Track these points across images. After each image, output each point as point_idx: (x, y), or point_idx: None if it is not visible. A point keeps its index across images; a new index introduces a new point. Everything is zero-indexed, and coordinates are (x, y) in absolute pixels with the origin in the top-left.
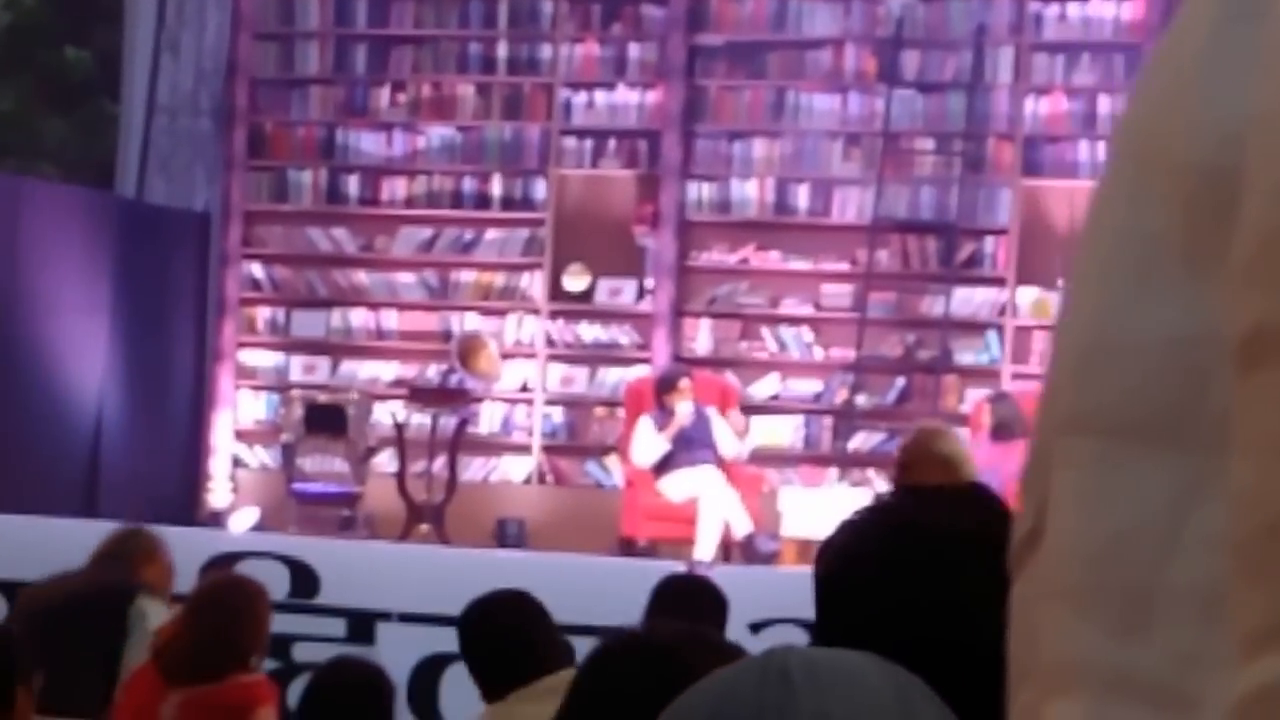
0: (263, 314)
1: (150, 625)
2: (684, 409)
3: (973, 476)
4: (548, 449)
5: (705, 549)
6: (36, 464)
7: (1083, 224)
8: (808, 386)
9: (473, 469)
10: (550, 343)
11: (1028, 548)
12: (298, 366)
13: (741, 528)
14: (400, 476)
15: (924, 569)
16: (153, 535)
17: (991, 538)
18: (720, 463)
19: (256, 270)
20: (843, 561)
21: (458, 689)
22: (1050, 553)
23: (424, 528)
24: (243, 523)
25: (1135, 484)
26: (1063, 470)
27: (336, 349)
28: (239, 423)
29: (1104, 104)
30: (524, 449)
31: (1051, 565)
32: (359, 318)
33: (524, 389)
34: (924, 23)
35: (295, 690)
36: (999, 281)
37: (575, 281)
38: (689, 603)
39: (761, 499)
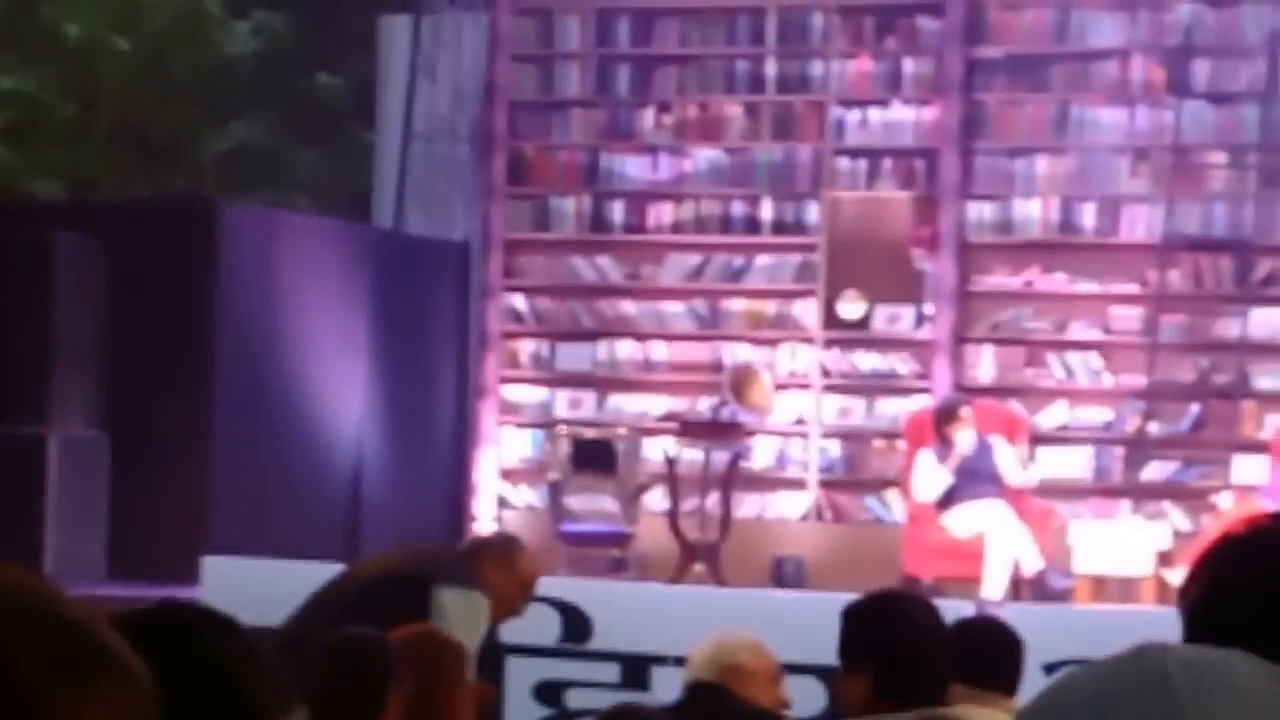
0: (526, 347)
1: (449, 618)
2: (965, 439)
3: None
4: (825, 484)
5: (994, 587)
6: (297, 505)
7: None
8: (1097, 415)
9: (747, 506)
10: (826, 373)
11: None
12: (563, 401)
13: (1032, 564)
14: (672, 515)
15: None
16: (515, 544)
17: None
18: (1008, 496)
19: (519, 302)
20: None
21: None
22: None
23: (698, 568)
24: None
25: None
26: None
27: (603, 382)
28: (503, 461)
29: None
30: (800, 484)
31: None
32: (626, 349)
33: (799, 422)
34: (1214, 30)
35: None
36: None
37: (851, 308)
38: (984, 651)
39: (1052, 533)
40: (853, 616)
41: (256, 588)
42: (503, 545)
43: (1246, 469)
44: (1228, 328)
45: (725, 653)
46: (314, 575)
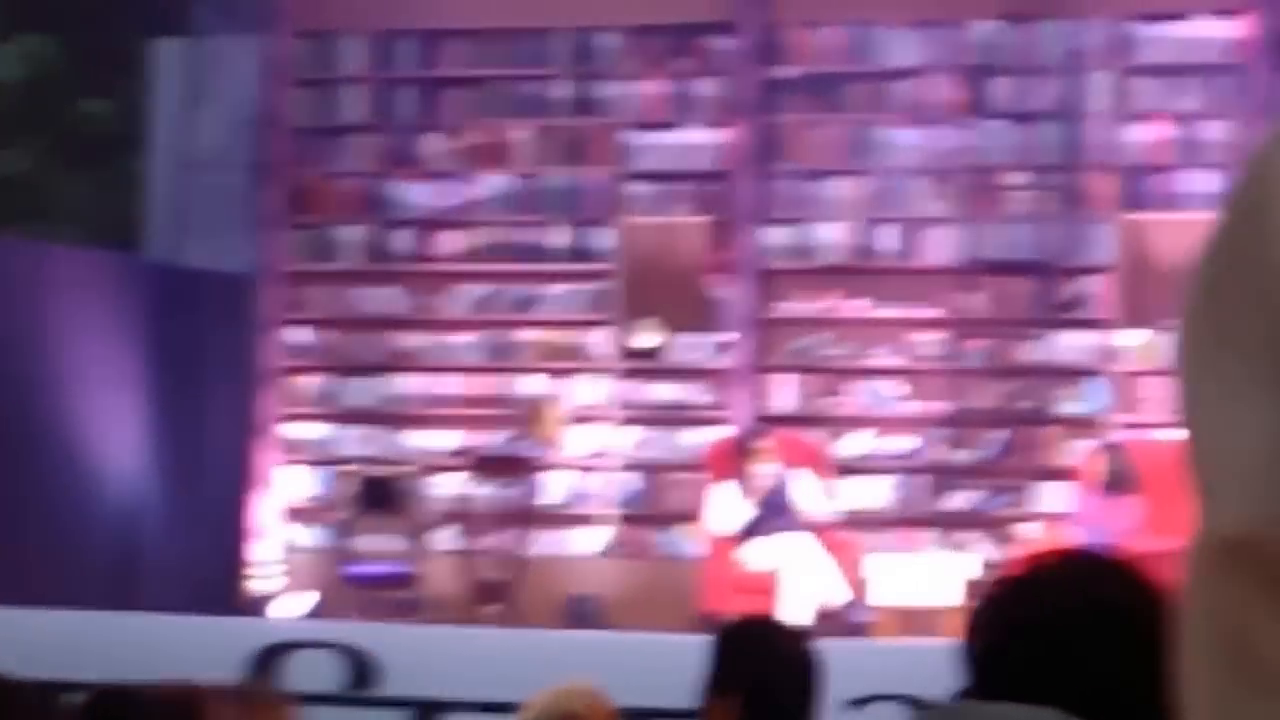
0: (309, 383)
1: None
2: (766, 471)
3: None
4: (624, 518)
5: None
6: (70, 553)
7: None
8: (901, 443)
9: (542, 543)
10: (623, 404)
11: None
12: (349, 438)
13: (836, 597)
14: (464, 554)
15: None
16: (273, 695)
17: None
18: (811, 528)
19: (301, 335)
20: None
21: None
22: None
23: (491, 608)
24: (294, 609)
25: None
26: None
27: (390, 418)
28: (289, 501)
29: (1210, 130)
30: (598, 519)
31: None
32: (414, 384)
33: (596, 455)
34: (1013, 48)
35: None
36: (1102, 324)
37: (646, 338)
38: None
39: (856, 566)
40: (724, 641)
41: (22, 638)
42: (255, 693)
43: (1051, 496)
44: (1031, 352)
45: (562, 700)
46: (85, 625)
